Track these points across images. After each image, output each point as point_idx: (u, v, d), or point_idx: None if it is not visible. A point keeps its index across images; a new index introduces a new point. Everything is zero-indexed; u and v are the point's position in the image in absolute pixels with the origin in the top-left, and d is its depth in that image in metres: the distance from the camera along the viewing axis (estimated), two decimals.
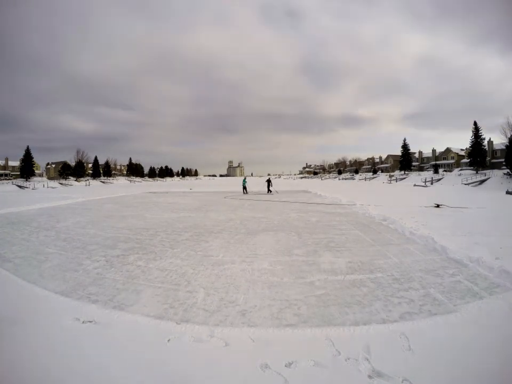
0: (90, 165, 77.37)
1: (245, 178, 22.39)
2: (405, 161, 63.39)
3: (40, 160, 75.46)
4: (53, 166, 77.41)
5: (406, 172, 62.19)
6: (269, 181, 21.68)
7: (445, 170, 55.34)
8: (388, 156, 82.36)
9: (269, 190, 20.88)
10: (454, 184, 35.53)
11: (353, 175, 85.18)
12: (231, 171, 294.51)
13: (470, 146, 46.28)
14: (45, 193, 27.05)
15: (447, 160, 62.25)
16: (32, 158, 57.87)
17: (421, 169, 67.59)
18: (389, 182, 51.35)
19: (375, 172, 77.66)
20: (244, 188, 20.82)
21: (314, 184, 46.31)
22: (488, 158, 46.82)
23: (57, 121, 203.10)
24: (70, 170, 66.42)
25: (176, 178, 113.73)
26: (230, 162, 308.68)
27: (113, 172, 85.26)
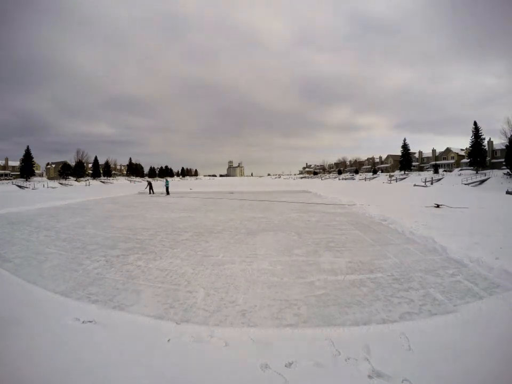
0: (90, 165, 77.45)
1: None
2: (405, 161, 63.43)
3: (41, 161, 75.78)
4: (53, 166, 77.48)
5: (406, 172, 62.22)
6: (149, 183, 25.15)
7: (445, 170, 55.37)
8: (388, 156, 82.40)
9: (151, 191, 24.09)
10: (454, 184, 35.55)
11: (353, 175, 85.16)
12: (231, 171, 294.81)
13: (470, 147, 46.32)
14: (45, 193, 27.04)
15: (447, 160, 62.29)
16: (32, 158, 57.92)
17: (421, 169, 67.62)
18: (389, 182, 51.35)
19: (375, 172, 77.68)
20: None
21: (314, 184, 46.30)
22: (488, 158, 46.85)
23: (84, 126, 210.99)
24: (70, 170, 66.51)
25: (176, 178, 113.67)
26: (230, 162, 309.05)
27: (113, 172, 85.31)
